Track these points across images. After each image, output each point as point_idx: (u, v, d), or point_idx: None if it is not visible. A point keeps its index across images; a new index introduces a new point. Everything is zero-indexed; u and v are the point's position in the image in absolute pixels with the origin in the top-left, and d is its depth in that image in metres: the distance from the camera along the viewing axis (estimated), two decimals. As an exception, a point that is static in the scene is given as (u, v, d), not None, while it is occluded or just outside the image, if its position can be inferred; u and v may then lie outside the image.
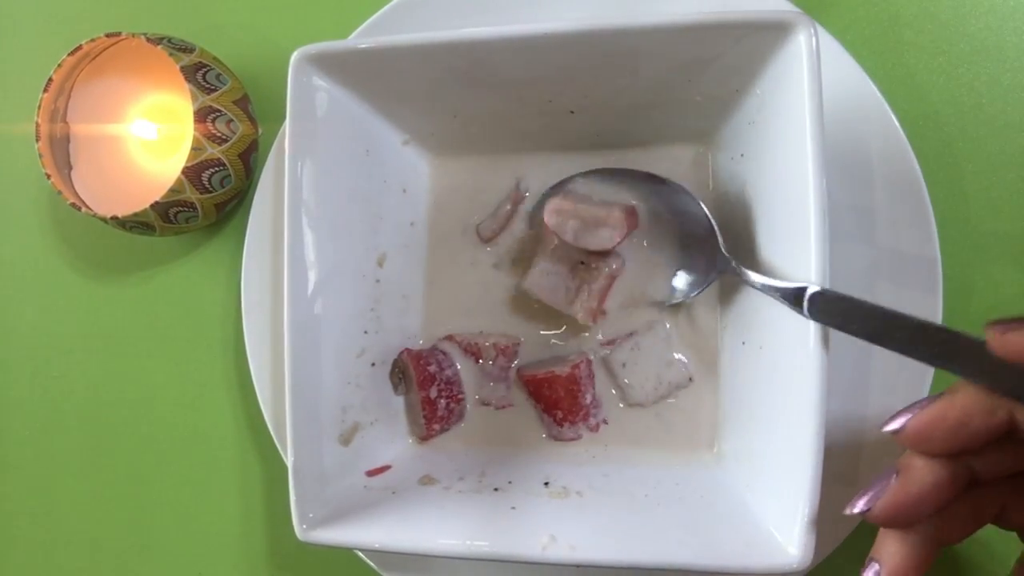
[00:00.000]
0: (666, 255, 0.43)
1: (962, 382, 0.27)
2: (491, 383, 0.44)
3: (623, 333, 0.43)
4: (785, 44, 0.33)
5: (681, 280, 0.42)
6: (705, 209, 0.40)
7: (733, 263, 0.38)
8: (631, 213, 0.42)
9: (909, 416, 0.27)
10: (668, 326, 0.43)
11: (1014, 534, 0.29)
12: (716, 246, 0.39)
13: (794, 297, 0.32)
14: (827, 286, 0.32)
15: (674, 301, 0.42)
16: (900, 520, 0.27)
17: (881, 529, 0.28)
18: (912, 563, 0.27)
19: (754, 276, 0.36)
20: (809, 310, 0.32)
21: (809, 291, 0.32)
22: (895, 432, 0.27)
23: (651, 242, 0.43)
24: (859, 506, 0.27)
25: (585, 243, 0.41)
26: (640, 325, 0.43)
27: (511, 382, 0.45)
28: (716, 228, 0.39)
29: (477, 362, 0.44)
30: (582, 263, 0.42)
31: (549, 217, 0.41)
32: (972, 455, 0.27)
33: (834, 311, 0.31)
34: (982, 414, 0.26)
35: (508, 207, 0.45)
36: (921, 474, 0.27)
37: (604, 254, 0.42)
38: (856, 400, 0.40)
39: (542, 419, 0.44)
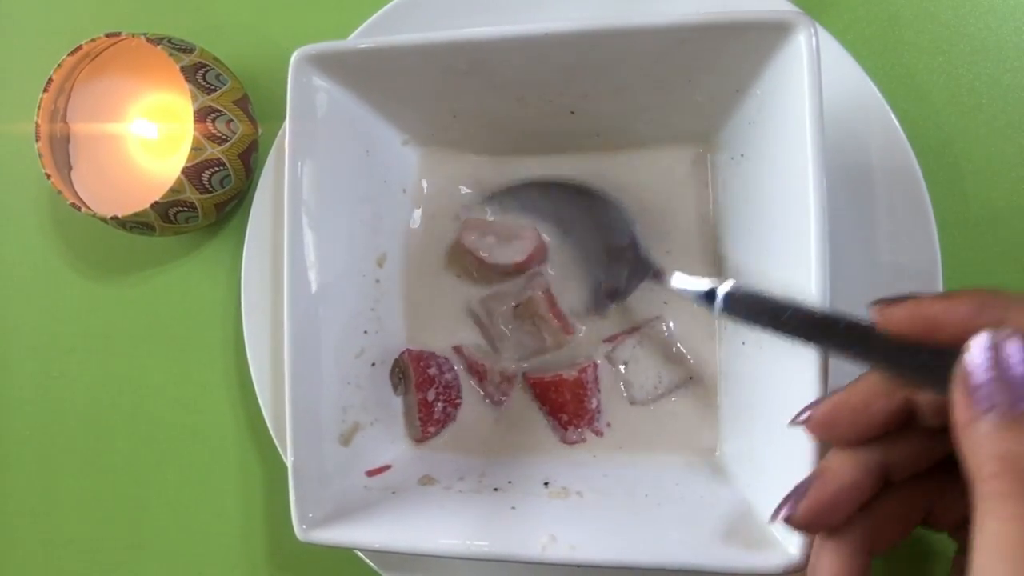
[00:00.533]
0: (590, 266, 0.44)
1: (867, 372, 0.28)
2: (490, 403, 0.44)
3: (625, 331, 0.43)
4: (785, 44, 0.33)
5: (607, 289, 0.43)
6: (628, 215, 0.42)
7: (652, 268, 0.40)
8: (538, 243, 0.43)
9: (815, 407, 0.28)
10: (670, 324, 0.43)
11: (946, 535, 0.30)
12: (637, 252, 0.41)
13: (707, 297, 0.34)
14: (827, 286, 0.32)
15: (602, 312, 0.43)
16: (822, 522, 0.28)
17: (815, 543, 0.29)
18: (844, 571, 0.28)
19: (673, 279, 0.38)
20: (722, 307, 0.33)
21: (722, 288, 0.33)
22: (804, 423, 0.28)
23: (576, 256, 0.44)
24: (782, 514, 0.28)
25: (501, 257, 0.42)
26: (642, 324, 0.43)
27: (511, 406, 0.44)
28: (637, 234, 0.41)
29: (480, 381, 0.44)
30: (516, 306, 0.43)
31: (467, 236, 0.43)
32: (882, 448, 0.27)
33: (742, 306, 0.32)
34: (881, 397, 0.27)
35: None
36: (837, 473, 0.27)
37: (522, 277, 0.44)
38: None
39: (547, 422, 0.44)
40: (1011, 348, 0.23)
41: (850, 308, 0.39)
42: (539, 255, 0.43)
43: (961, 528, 0.29)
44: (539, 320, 0.43)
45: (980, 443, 0.22)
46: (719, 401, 0.42)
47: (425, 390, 0.43)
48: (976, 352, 0.23)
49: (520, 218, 0.44)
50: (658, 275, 0.40)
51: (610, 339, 0.43)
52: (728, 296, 0.33)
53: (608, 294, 0.43)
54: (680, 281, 0.37)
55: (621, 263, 0.42)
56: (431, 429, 0.43)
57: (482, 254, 0.42)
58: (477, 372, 0.44)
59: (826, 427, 0.28)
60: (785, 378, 0.34)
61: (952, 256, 0.41)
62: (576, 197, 0.43)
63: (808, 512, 0.27)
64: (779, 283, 0.35)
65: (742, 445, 0.39)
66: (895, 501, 0.28)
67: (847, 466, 0.27)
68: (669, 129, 0.43)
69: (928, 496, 0.29)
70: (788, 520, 0.28)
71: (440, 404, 0.43)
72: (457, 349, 0.45)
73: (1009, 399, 0.22)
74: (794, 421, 0.29)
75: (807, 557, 0.31)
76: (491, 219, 0.45)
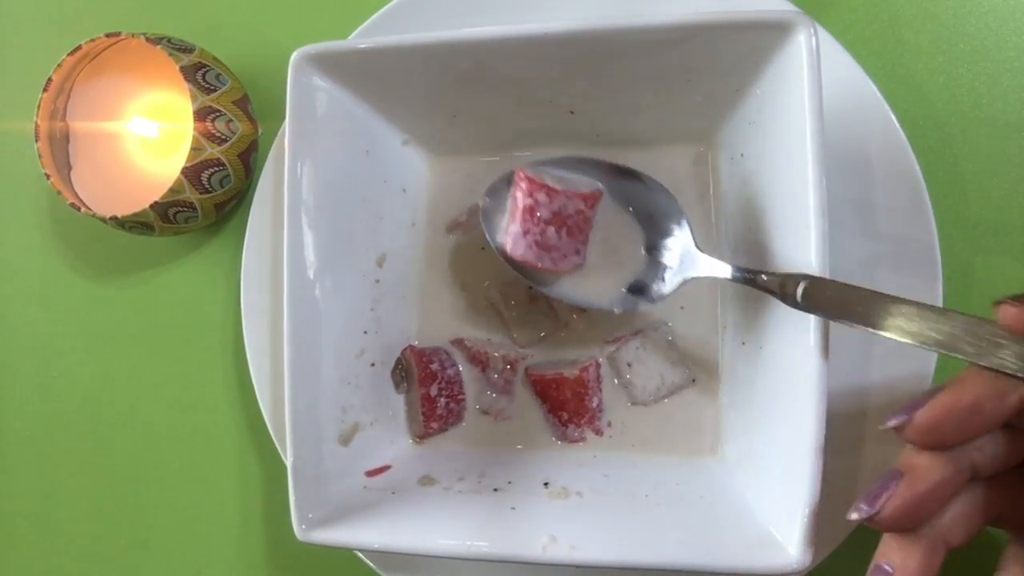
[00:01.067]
0: (628, 258, 0.40)
1: (968, 369, 0.26)
2: (493, 394, 0.44)
3: (629, 332, 0.43)
4: (785, 44, 0.33)
5: (650, 278, 0.39)
6: (680, 206, 0.38)
7: (709, 262, 0.36)
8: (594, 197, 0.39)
9: (913, 411, 0.26)
10: (671, 325, 0.43)
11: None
12: (689, 243, 0.37)
13: (782, 287, 0.31)
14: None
15: (641, 308, 0.40)
16: (910, 522, 0.26)
17: (886, 534, 0.27)
18: (924, 568, 0.26)
19: (725, 268, 0.35)
20: (803, 300, 0.31)
21: (803, 282, 0.31)
22: (899, 428, 0.26)
23: (613, 245, 0.40)
24: (864, 510, 0.26)
25: (568, 186, 0.38)
26: (645, 324, 0.43)
27: (514, 396, 0.44)
28: (688, 227, 0.38)
29: (483, 371, 0.44)
30: (531, 287, 0.41)
31: (527, 172, 0.38)
32: (974, 446, 0.26)
33: (829, 300, 0.30)
34: (994, 398, 0.25)
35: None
36: (928, 472, 0.26)
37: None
38: (857, 399, 0.40)
39: (547, 420, 0.44)
40: None
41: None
42: (598, 196, 0.39)
43: None
44: (555, 301, 0.43)
45: None
46: (720, 402, 0.42)
47: (428, 385, 0.43)
48: None
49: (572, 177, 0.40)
50: (708, 269, 0.37)
51: (613, 340, 0.43)
52: (806, 293, 0.30)
53: (646, 294, 0.39)
54: (728, 273, 0.34)
55: (665, 257, 0.38)
56: (433, 425, 0.43)
57: (548, 181, 0.38)
58: (480, 362, 0.44)
59: (930, 433, 0.26)
60: (786, 380, 0.34)
61: (952, 256, 0.41)
62: (624, 179, 0.39)
63: (898, 511, 0.26)
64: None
65: (743, 446, 0.39)
66: (978, 496, 0.27)
67: (939, 464, 0.26)
68: (669, 129, 0.43)
69: (1011, 492, 0.27)
70: (873, 519, 0.26)
71: (443, 400, 0.43)
72: (457, 342, 0.45)
73: None
74: (888, 424, 0.26)
75: (808, 558, 0.31)
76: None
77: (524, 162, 0.39)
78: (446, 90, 0.40)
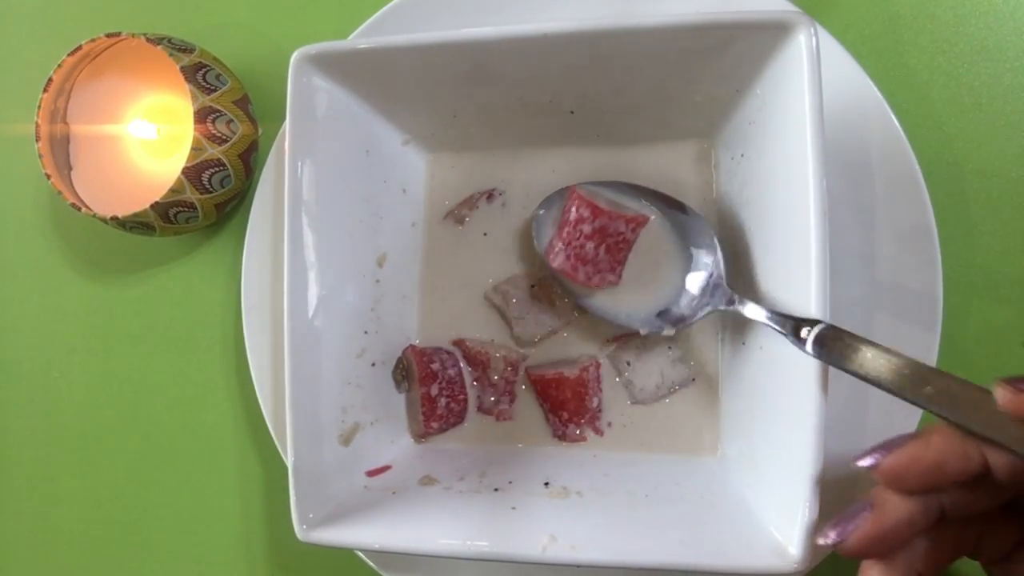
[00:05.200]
0: (660, 286, 0.41)
1: (939, 424, 0.27)
2: (494, 396, 0.44)
3: (629, 332, 0.43)
4: (785, 44, 0.33)
5: (680, 305, 0.40)
6: (716, 241, 0.39)
7: (735, 298, 0.37)
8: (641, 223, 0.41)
9: (884, 454, 0.27)
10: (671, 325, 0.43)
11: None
12: (720, 278, 0.39)
13: (796, 329, 0.32)
14: (827, 286, 0.32)
15: (665, 332, 0.40)
16: (873, 553, 0.28)
17: (863, 562, 0.29)
18: None
19: (753, 309, 0.36)
20: (813, 347, 0.31)
21: (816, 328, 0.31)
22: (872, 467, 0.28)
23: (652, 262, 0.41)
24: (832, 537, 0.28)
25: (619, 208, 0.41)
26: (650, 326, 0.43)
27: (515, 397, 0.44)
28: (722, 261, 0.39)
29: (484, 372, 0.44)
30: (532, 286, 0.43)
31: (583, 192, 0.40)
32: (946, 493, 0.27)
33: (836, 349, 0.31)
34: (957, 458, 0.26)
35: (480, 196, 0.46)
36: (895, 508, 0.27)
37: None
38: (857, 400, 0.40)
39: (548, 419, 0.44)
40: None
41: (850, 307, 0.39)
42: (643, 221, 0.41)
43: (1002, 562, 0.29)
44: (556, 298, 0.43)
45: None
46: (720, 402, 0.42)
47: (428, 385, 0.43)
48: None
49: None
50: (732, 303, 0.37)
51: (613, 340, 0.43)
52: (819, 339, 0.31)
53: (674, 321, 0.40)
54: (756, 314, 0.35)
55: (696, 288, 0.40)
56: (433, 424, 0.43)
57: (599, 201, 0.40)
58: (481, 363, 0.44)
59: (895, 479, 0.27)
60: (786, 380, 0.34)
61: (952, 256, 0.41)
62: (671, 207, 0.41)
63: (862, 541, 0.27)
64: (779, 282, 0.35)
65: (743, 446, 0.39)
66: (949, 532, 0.28)
67: (906, 503, 0.27)
68: (669, 129, 0.43)
69: (980, 530, 0.28)
70: (839, 546, 0.28)
71: (443, 400, 0.43)
72: (458, 342, 0.45)
73: None
74: (859, 462, 0.28)
75: (808, 558, 0.31)
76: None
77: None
78: (446, 90, 0.40)
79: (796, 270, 0.33)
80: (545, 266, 0.42)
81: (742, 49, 0.35)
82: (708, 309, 0.39)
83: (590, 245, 0.40)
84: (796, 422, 0.32)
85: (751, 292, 0.38)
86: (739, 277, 0.39)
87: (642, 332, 0.40)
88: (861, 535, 0.27)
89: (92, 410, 0.53)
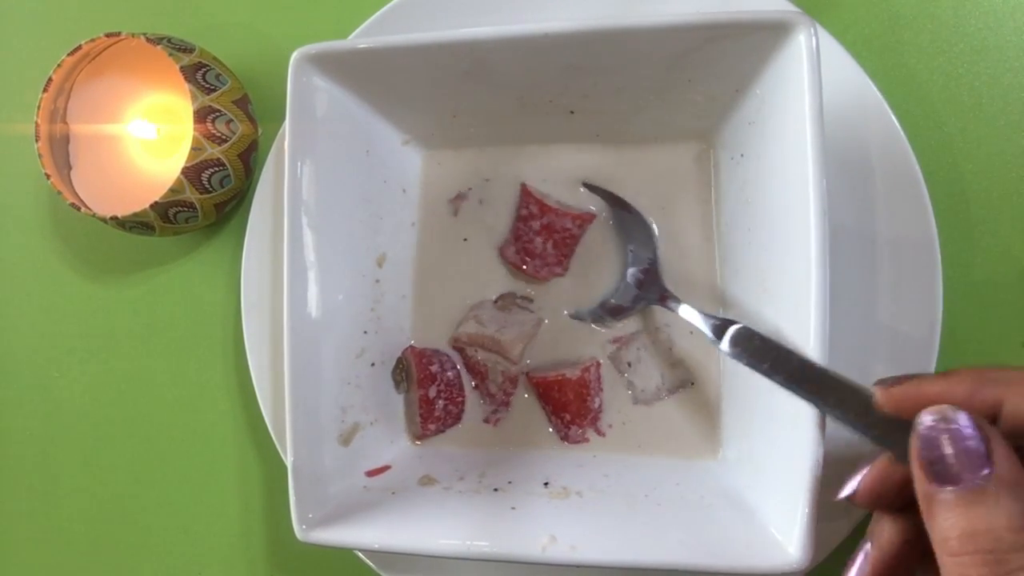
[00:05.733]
0: (607, 273, 0.44)
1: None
2: (492, 406, 0.44)
3: (630, 332, 0.43)
4: (785, 44, 0.33)
5: (618, 297, 0.43)
6: (655, 240, 0.42)
7: (668, 293, 0.40)
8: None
9: (861, 479, 0.28)
10: (671, 326, 0.43)
11: None
12: (656, 275, 0.41)
13: (713, 333, 0.34)
14: (826, 288, 0.32)
15: (601, 324, 0.43)
16: None
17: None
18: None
19: (683, 309, 0.38)
20: (729, 346, 0.33)
21: (733, 328, 0.33)
22: (851, 498, 0.29)
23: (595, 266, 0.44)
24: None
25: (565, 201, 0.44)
26: (645, 326, 0.43)
27: (512, 407, 0.44)
28: (659, 259, 0.42)
29: (483, 381, 0.44)
30: (496, 300, 0.45)
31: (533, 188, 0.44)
32: None
33: (748, 349, 0.32)
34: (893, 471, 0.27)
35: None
36: (890, 538, 0.28)
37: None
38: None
39: (550, 421, 0.44)
40: (961, 421, 0.23)
41: (849, 307, 0.39)
42: (588, 219, 0.44)
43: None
44: (521, 300, 0.44)
45: (942, 518, 0.22)
46: (721, 403, 0.42)
47: (427, 387, 0.43)
48: (927, 426, 0.23)
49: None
50: (664, 300, 0.40)
51: (614, 340, 0.43)
52: (734, 338, 0.33)
53: (612, 311, 0.43)
54: (687, 313, 0.38)
55: (635, 283, 0.42)
56: (431, 426, 0.43)
57: (546, 199, 0.43)
58: (479, 373, 0.44)
59: (872, 499, 0.28)
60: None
61: (952, 256, 0.41)
62: (619, 207, 0.44)
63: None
64: (779, 281, 0.35)
65: (743, 447, 0.39)
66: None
67: (894, 531, 0.28)
68: (668, 129, 0.43)
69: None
70: None
71: (441, 402, 0.43)
72: (458, 347, 0.45)
73: (964, 473, 0.22)
74: (840, 498, 0.29)
75: (808, 558, 0.31)
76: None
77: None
78: (446, 90, 0.40)
79: (796, 270, 0.33)
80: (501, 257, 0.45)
81: (742, 49, 0.35)
82: (643, 303, 0.42)
83: (539, 240, 0.43)
84: (796, 423, 0.32)
85: (751, 292, 0.38)
86: (739, 277, 0.39)
87: (587, 321, 0.44)
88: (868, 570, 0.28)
89: (92, 410, 0.53)
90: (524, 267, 0.44)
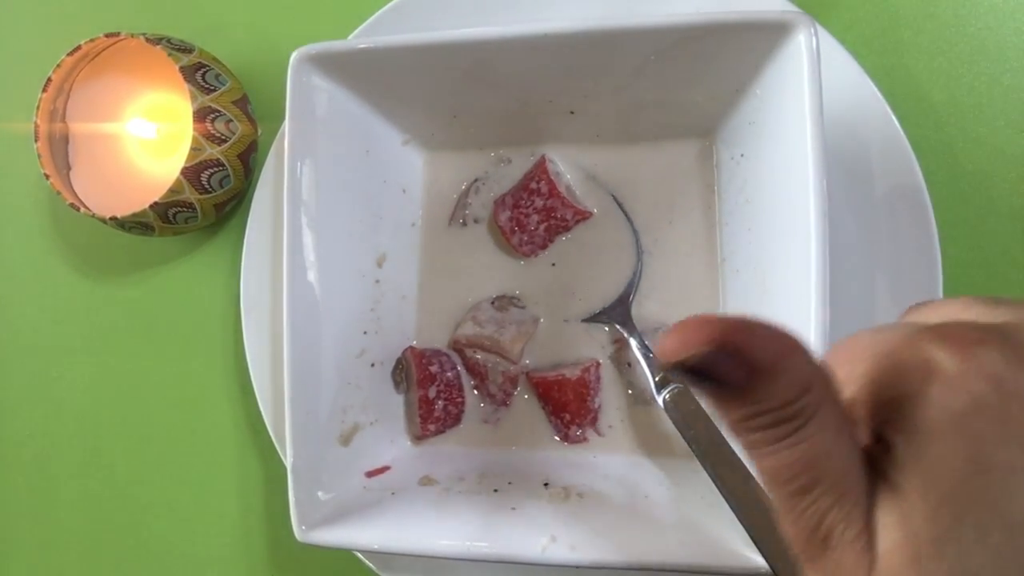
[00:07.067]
0: (587, 275, 0.45)
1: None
2: (492, 406, 0.44)
3: (629, 333, 0.43)
4: (785, 44, 0.33)
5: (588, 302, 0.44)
6: (640, 264, 0.43)
7: (629, 322, 0.42)
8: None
9: None
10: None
11: None
12: (627, 299, 0.43)
13: (661, 381, 0.36)
14: (826, 286, 0.32)
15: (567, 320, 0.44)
16: None
17: None
18: None
19: (635, 347, 0.40)
20: (666, 403, 0.35)
21: (670, 388, 0.35)
22: None
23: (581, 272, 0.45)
24: None
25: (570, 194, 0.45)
26: (646, 327, 0.43)
27: (512, 408, 0.44)
28: (636, 284, 0.43)
29: (483, 382, 0.44)
30: (493, 302, 0.45)
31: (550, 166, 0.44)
32: None
33: (683, 411, 0.34)
34: None
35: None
36: None
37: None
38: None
39: (550, 421, 0.43)
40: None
41: (849, 306, 0.39)
42: (585, 216, 0.45)
43: None
44: (516, 299, 0.44)
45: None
46: (719, 401, 0.42)
47: (426, 387, 0.43)
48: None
49: None
50: (624, 325, 0.42)
51: (614, 341, 0.43)
52: (672, 398, 0.35)
53: (578, 312, 0.45)
54: (636, 351, 0.40)
55: (609, 293, 0.44)
56: (430, 427, 0.43)
57: (559, 182, 0.44)
58: (479, 374, 0.44)
59: None
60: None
61: (952, 256, 0.41)
62: (615, 211, 0.44)
63: None
64: (779, 281, 0.35)
65: (742, 445, 0.39)
66: None
67: None
68: (669, 129, 0.43)
69: None
70: None
71: (441, 402, 0.43)
72: (458, 349, 0.45)
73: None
74: None
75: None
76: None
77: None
78: (446, 90, 0.40)
79: (796, 270, 0.33)
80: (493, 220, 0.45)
81: (742, 49, 0.35)
82: (605, 319, 0.43)
83: (535, 218, 0.44)
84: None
85: (751, 292, 0.38)
86: (739, 276, 0.39)
87: (566, 320, 0.44)
88: None
89: (92, 410, 0.53)
90: (511, 237, 0.44)
